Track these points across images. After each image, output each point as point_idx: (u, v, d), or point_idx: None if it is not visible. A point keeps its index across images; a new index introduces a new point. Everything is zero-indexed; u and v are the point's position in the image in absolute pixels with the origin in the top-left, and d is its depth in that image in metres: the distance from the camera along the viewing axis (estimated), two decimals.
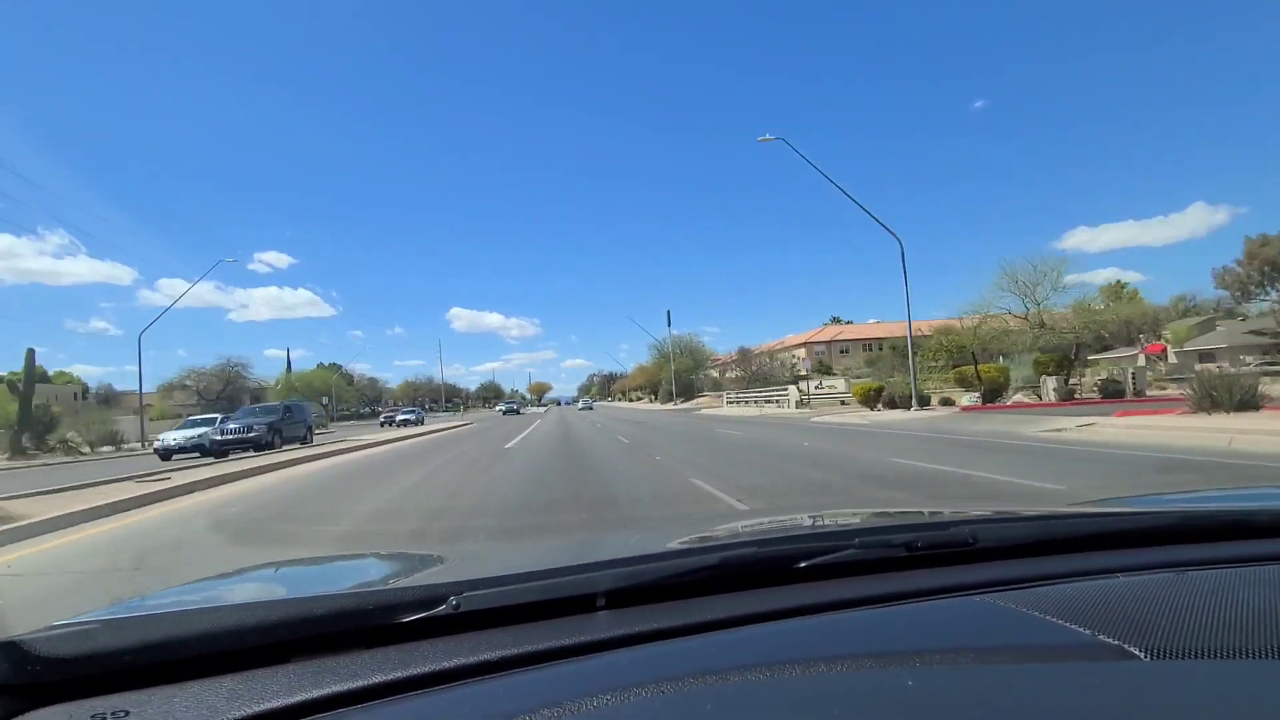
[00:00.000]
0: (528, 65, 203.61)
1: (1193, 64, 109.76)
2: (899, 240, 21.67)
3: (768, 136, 21.65)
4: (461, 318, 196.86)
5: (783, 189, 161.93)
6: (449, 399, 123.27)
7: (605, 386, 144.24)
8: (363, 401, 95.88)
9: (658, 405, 66.04)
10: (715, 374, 75.97)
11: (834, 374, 59.19)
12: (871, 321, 76.30)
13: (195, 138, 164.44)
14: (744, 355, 65.90)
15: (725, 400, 45.14)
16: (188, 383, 65.77)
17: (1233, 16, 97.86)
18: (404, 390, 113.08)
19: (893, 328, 66.63)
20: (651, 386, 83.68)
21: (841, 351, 72.41)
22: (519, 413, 63.48)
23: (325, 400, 73.97)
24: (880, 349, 69.65)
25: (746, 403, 40.57)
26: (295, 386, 77.24)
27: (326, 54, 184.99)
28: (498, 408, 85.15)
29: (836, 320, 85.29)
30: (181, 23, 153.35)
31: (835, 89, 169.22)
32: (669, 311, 63.96)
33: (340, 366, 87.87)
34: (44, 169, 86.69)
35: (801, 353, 67.63)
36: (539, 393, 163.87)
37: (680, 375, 63.66)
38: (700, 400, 61.77)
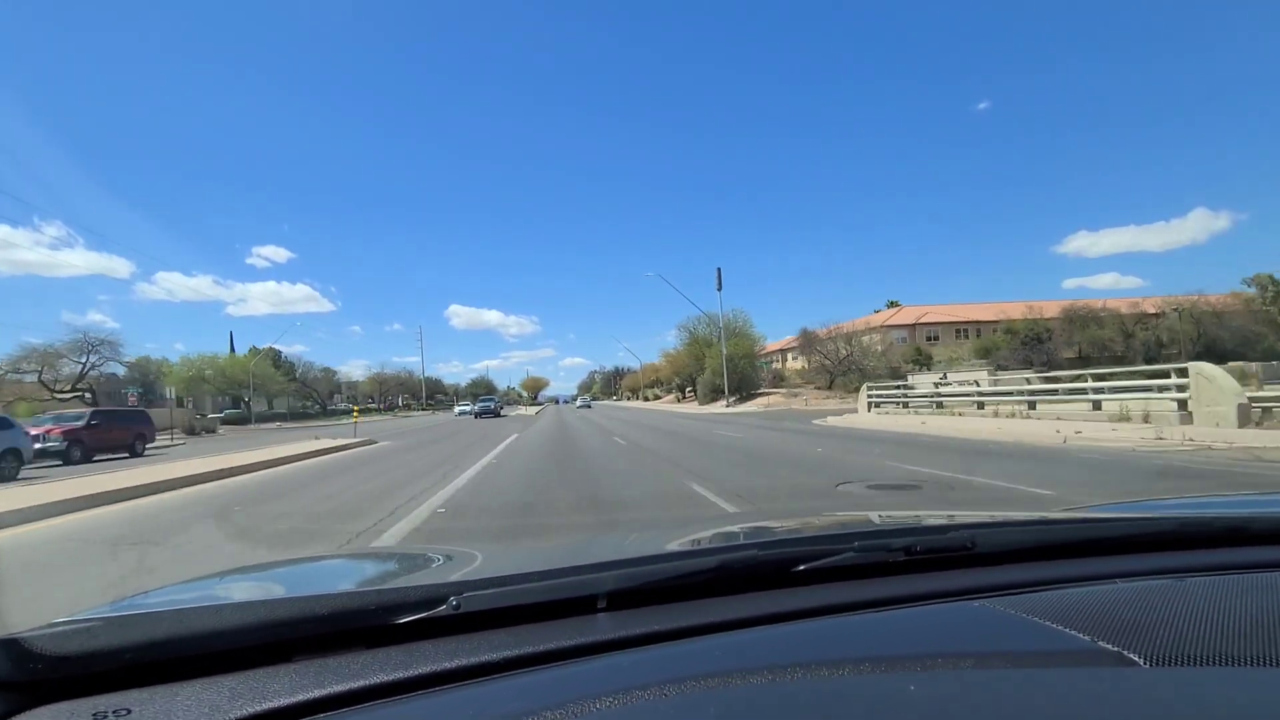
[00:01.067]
0: (529, 64, 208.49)
1: (1195, 69, 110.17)
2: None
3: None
4: (460, 315, 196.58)
5: (785, 189, 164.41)
6: (431, 396, 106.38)
7: (611, 383, 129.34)
8: (314, 399, 76.48)
9: (697, 407, 46.11)
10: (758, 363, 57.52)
11: (935, 364, 40.44)
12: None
13: (195, 131, 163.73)
14: (807, 339, 46.34)
15: (868, 402, 23.66)
16: (25, 367, 46.05)
17: (1236, 22, 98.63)
18: (371, 384, 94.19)
19: (1005, 308, 47.56)
20: (681, 380, 63.12)
21: (930, 338, 52.84)
22: (498, 414, 44.22)
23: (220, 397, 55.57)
24: (978, 334, 50.64)
25: (957, 410, 19.49)
26: (203, 376, 57.40)
27: (327, 50, 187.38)
28: (458, 409, 54.45)
29: (894, 304, 66.03)
30: (181, 16, 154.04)
31: (837, 90, 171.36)
32: (719, 270, 43.22)
33: (279, 352, 67.93)
34: (41, 160, 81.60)
35: (875, 338, 48.07)
36: (534, 389, 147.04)
37: (734, 364, 42.94)
38: (769, 400, 41.01)
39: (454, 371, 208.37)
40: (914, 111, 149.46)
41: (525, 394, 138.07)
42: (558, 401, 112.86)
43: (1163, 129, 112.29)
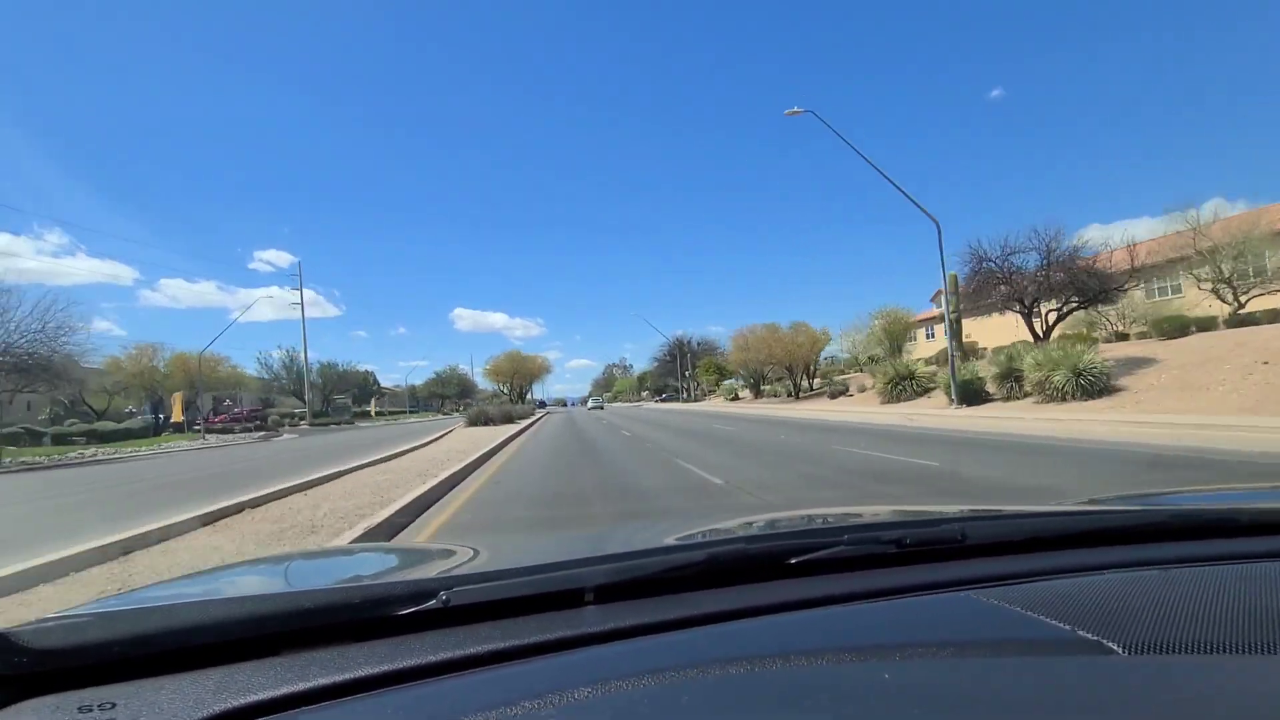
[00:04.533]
0: (535, 68, 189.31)
1: (1210, 59, 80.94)
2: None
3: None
4: (465, 317, 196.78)
5: (786, 190, 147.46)
6: (328, 400, 61.81)
7: (669, 373, 75.05)
8: None
9: None
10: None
11: None
12: None
13: (198, 137, 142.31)
14: None
15: None
16: None
17: (1251, 9, 76.95)
18: (176, 373, 38.93)
19: None
20: None
21: None
22: None
23: None
24: None
25: None
26: None
27: (333, 55, 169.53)
28: None
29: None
30: (187, 21, 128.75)
31: (845, 84, 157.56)
32: None
33: None
34: (43, 167, 47.10)
35: None
36: (516, 376, 68.44)
37: None
38: None
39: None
40: (924, 100, 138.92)
41: (502, 389, 66.47)
42: (566, 404, 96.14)
43: (1175, 119, 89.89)
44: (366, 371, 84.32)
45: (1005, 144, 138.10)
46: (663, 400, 74.00)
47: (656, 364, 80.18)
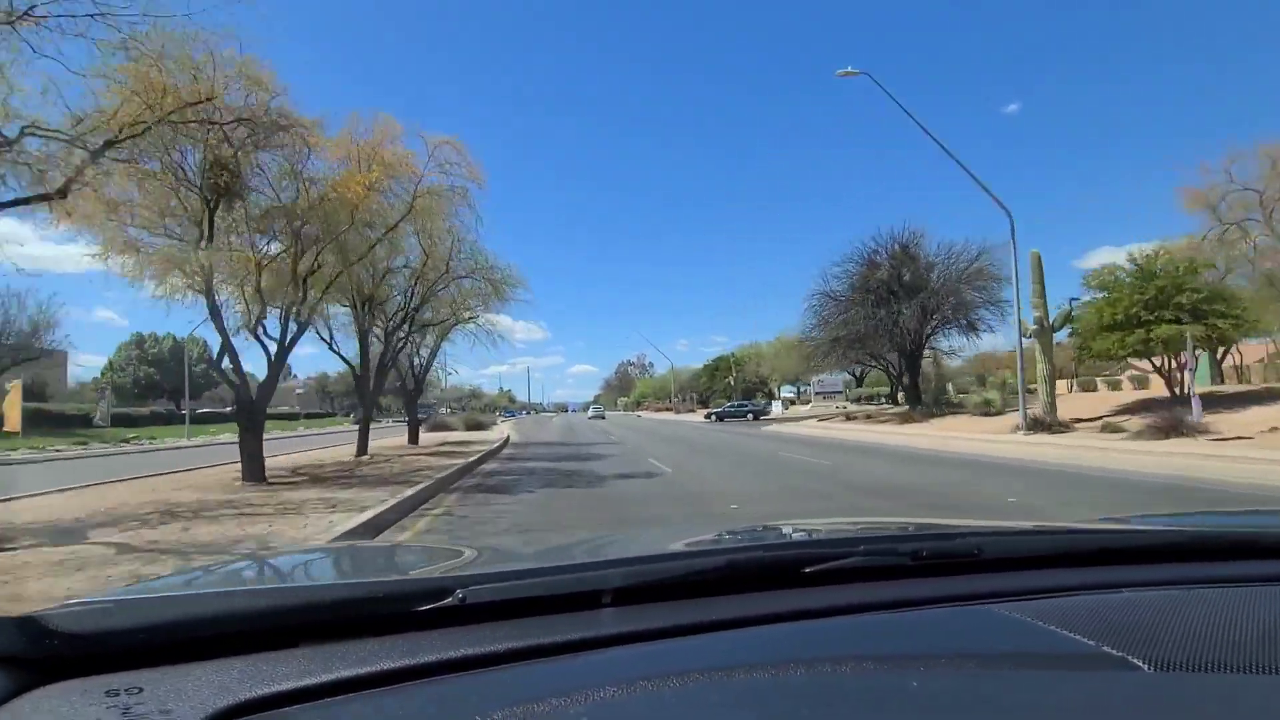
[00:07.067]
0: (536, 70, 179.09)
1: (1224, 78, 78.97)
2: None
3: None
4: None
5: (790, 196, 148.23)
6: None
7: (859, 338, 30.92)
8: None
9: None
10: None
11: None
12: None
13: None
14: None
15: None
16: None
17: (1260, 37, 78.05)
18: None
19: None
20: None
21: None
22: None
23: None
24: None
25: None
26: None
27: (333, 53, 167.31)
28: None
29: None
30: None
31: (852, 96, 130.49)
32: None
33: None
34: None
35: None
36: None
37: None
38: None
39: (463, 377, 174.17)
40: (936, 113, 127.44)
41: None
42: (568, 409, 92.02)
43: (1192, 140, 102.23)
44: (179, 339, 43.98)
45: (1013, 162, 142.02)
46: (721, 416, 40.95)
47: (813, 309, 33.38)
